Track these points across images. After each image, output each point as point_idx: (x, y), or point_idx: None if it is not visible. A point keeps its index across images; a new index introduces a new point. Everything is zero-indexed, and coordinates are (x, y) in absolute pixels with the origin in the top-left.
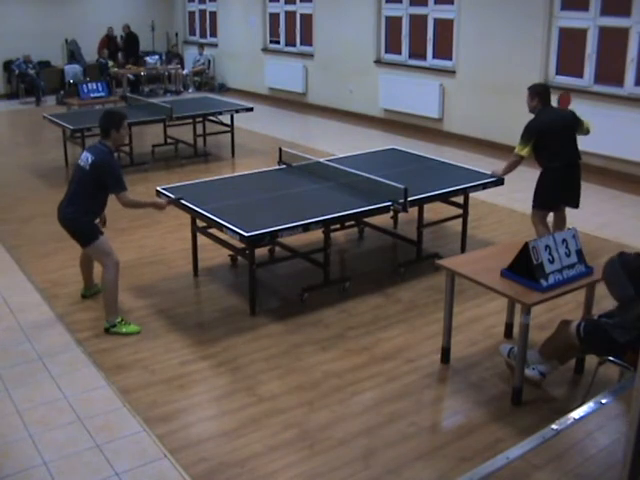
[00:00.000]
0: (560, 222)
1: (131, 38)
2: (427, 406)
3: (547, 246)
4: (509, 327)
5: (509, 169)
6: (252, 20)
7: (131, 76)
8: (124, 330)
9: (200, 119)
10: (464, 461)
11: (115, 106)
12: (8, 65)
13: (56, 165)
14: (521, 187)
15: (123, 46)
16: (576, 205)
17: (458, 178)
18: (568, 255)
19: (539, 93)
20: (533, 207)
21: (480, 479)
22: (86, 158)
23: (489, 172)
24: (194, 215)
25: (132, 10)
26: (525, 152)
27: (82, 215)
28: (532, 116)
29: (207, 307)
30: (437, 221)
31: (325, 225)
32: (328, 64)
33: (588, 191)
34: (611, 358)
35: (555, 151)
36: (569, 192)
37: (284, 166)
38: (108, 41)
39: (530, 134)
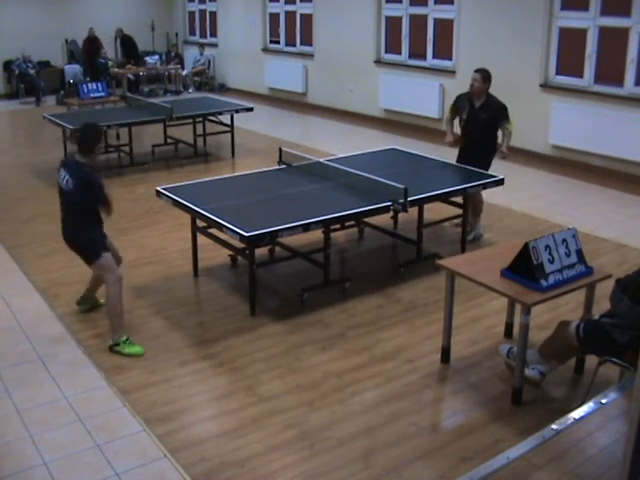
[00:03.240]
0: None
1: (127, 40)
2: (427, 406)
3: (547, 246)
4: (509, 327)
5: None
6: (252, 18)
7: (131, 76)
8: (126, 351)
9: (200, 119)
10: (464, 461)
11: (115, 106)
12: (8, 65)
13: (56, 165)
14: (521, 187)
15: (122, 49)
16: None
17: (458, 178)
18: (568, 255)
19: (490, 78)
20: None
21: (480, 479)
22: (65, 179)
23: (501, 156)
24: (194, 215)
25: (132, 10)
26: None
27: (83, 233)
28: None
29: (207, 307)
30: (437, 221)
31: (325, 225)
32: (328, 64)
33: (588, 191)
34: (611, 358)
35: None
36: None
37: (284, 166)
38: (89, 42)
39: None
